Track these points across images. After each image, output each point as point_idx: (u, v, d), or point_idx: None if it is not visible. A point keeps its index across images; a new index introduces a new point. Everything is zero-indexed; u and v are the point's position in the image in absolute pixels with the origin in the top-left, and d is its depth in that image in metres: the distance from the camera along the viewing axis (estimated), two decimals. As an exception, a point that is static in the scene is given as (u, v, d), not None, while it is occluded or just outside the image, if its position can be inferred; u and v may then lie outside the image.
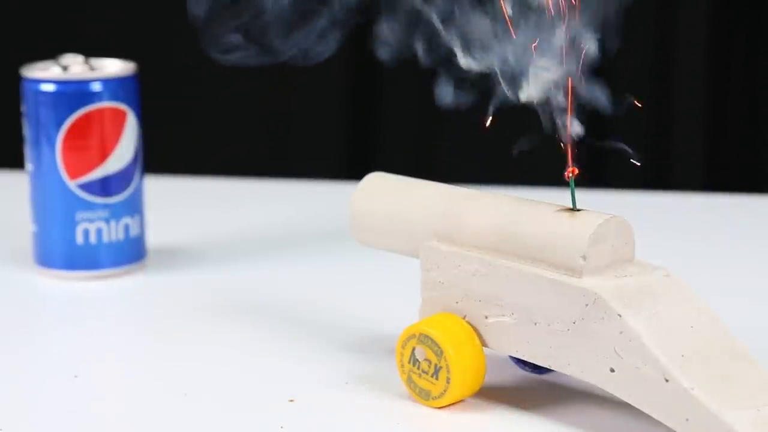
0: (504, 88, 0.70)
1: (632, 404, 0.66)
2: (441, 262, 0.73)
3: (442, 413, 0.72)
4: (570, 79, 0.69)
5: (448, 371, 0.71)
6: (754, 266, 1.02)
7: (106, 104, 0.95)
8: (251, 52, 0.79)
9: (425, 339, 0.72)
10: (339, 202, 0.89)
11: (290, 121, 1.70)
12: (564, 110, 0.70)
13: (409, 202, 0.77)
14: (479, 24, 0.71)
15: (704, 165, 1.65)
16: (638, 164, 0.70)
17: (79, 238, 0.96)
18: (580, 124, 0.71)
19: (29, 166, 0.97)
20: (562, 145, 0.70)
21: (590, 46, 0.70)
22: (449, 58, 0.73)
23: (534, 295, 0.69)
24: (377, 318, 0.88)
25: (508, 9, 0.70)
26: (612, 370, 0.67)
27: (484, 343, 0.72)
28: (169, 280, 0.97)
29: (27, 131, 0.96)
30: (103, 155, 0.96)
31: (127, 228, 0.97)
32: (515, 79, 0.70)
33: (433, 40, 0.74)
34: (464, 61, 0.72)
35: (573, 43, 0.69)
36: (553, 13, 0.69)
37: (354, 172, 0.84)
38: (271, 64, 0.79)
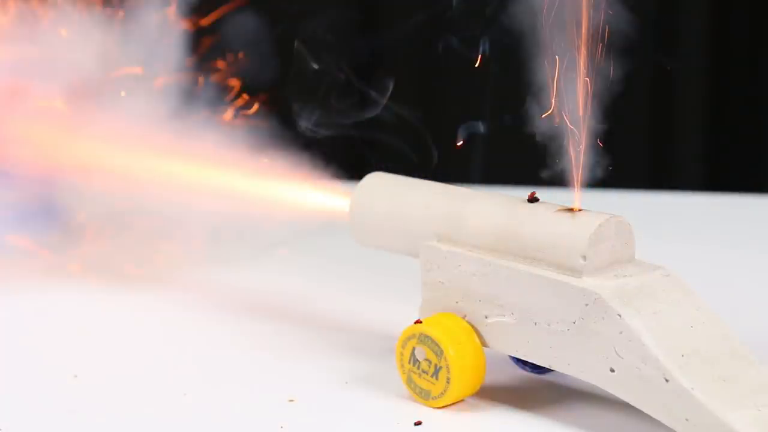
0: None
1: (632, 404, 0.66)
2: (441, 262, 0.73)
3: (442, 413, 0.72)
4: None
5: (448, 371, 0.71)
6: (754, 266, 1.02)
7: (106, 104, 0.95)
8: None
9: (425, 339, 0.72)
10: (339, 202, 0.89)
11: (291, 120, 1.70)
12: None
13: (409, 201, 0.77)
14: None
15: (704, 165, 1.65)
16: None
17: (79, 238, 0.96)
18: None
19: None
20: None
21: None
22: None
23: (534, 295, 0.69)
24: (377, 318, 0.88)
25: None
26: (612, 370, 0.67)
27: (484, 343, 0.72)
28: (169, 280, 0.97)
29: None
30: (103, 155, 0.95)
31: (127, 228, 0.97)
32: None
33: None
34: None
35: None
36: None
37: (354, 172, 0.84)
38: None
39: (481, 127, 0.79)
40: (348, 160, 0.83)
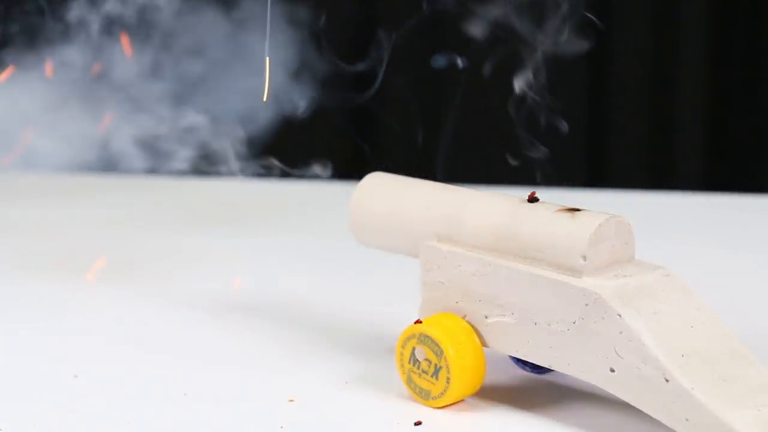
0: None
1: (632, 404, 0.66)
2: (441, 262, 0.73)
3: (442, 413, 0.72)
4: None
5: (448, 371, 0.71)
6: (754, 266, 1.02)
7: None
8: None
9: (425, 339, 0.72)
10: (339, 202, 0.89)
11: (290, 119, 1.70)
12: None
13: (409, 201, 0.77)
14: None
15: (704, 165, 1.65)
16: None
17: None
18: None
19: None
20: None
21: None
22: None
23: (534, 295, 0.69)
24: (377, 318, 0.88)
25: None
26: (612, 370, 0.67)
27: (484, 343, 0.72)
28: (168, 280, 0.97)
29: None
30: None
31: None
32: None
33: None
34: None
35: None
36: None
37: (354, 172, 0.85)
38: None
39: (459, 61, 0.78)
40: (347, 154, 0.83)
